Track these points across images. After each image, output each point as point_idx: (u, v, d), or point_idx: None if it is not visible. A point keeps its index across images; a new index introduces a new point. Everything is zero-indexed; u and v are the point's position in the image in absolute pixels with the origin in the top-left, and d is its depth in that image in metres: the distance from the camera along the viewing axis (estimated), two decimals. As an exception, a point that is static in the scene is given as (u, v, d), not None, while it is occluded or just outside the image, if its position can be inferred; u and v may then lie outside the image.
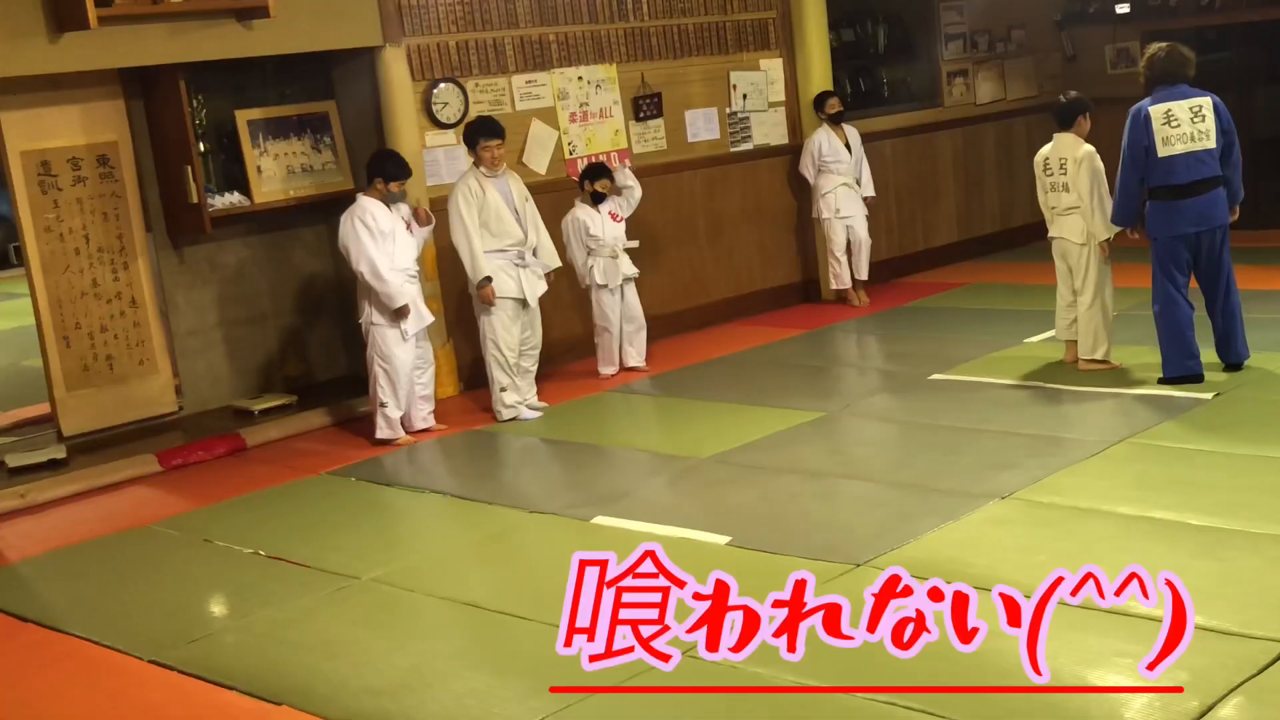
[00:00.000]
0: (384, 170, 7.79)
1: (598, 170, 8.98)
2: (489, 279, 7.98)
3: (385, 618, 5.34)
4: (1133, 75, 12.80)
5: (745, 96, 10.77)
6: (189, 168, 8.17)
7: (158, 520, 6.92)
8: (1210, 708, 3.91)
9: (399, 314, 7.69)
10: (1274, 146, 12.70)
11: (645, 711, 4.29)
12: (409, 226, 7.89)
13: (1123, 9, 12.58)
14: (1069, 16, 13.11)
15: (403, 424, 7.97)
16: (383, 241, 7.67)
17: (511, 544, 6.17)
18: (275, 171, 8.75)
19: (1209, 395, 7.13)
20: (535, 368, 8.42)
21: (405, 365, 7.82)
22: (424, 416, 8.08)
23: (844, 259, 10.77)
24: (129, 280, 8.39)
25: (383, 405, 7.85)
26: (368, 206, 7.69)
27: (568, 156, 9.65)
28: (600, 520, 6.17)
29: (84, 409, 8.25)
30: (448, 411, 8.55)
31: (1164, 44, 7.54)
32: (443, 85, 9.02)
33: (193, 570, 6.16)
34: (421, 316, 7.88)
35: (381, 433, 7.88)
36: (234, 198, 8.61)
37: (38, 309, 8.15)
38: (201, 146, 8.54)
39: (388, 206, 7.78)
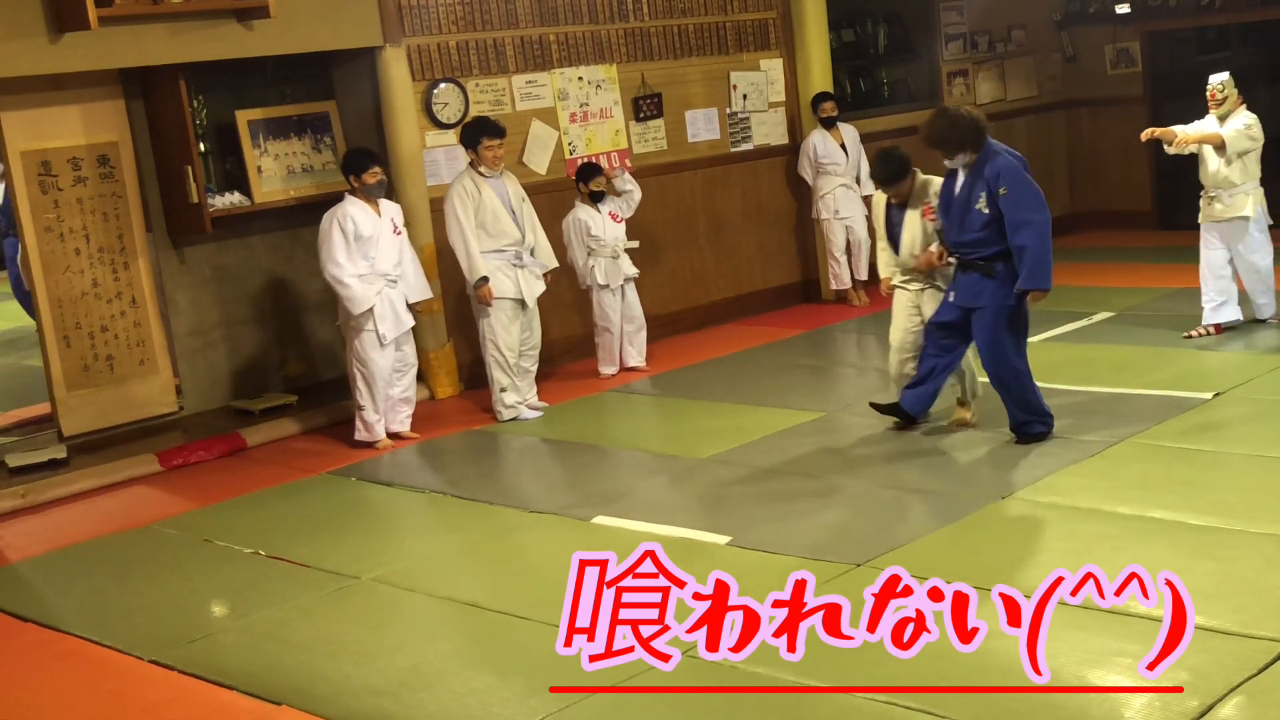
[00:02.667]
0: (350, 165, 7.76)
1: (591, 170, 8.99)
2: (485, 279, 7.98)
3: (385, 618, 5.34)
4: (1133, 75, 12.93)
5: (745, 96, 10.77)
6: (189, 168, 8.17)
7: (158, 520, 6.92)
8: (1210, 708, 3.91)
9: (361, 318, 7.65)
10: (1274, 146, 12.68)
11: (645, 711, 4.29)
12: (396, 229, 7.85)
13: (1123, 9, 12.57)
14: (1069, 16, 13.11)
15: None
16: (360, 245, 7.61)
17: (511, 544, 6.17)
18: (275, 171, 8.75)
19: (1209, 395, 7.13)
20: (535, 368, 8.42)
21: (383, 369, 7.77)
22: (401, 420, 8.03)
23: (843, 259, 10.78)
24: (129, 280, 8.39)
25: (360, 409, 7.84)
26: (349, 210, 7.64)
27: (568, 156, 9.65)
28: (600, 520, 6.17)
29: (84, 409, 8.25)
30: (448, 411, 8.55)
31: (954, 107, 6.83)
32: (443, 85, 9.03)
33: (193, 570, 6.16)
34: (399, 321, 7.83)
35: (359, 435, 7.87)
36: (234, 198, 8.61)
37: (38, 309, 8.15)
38: (201, 146, 8.53)
39: (373, 206, 7.75)
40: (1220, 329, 8.42)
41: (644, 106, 10.12)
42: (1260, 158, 8.32)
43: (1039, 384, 7.73)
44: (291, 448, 8.14)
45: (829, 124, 10.61)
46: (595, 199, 8.92)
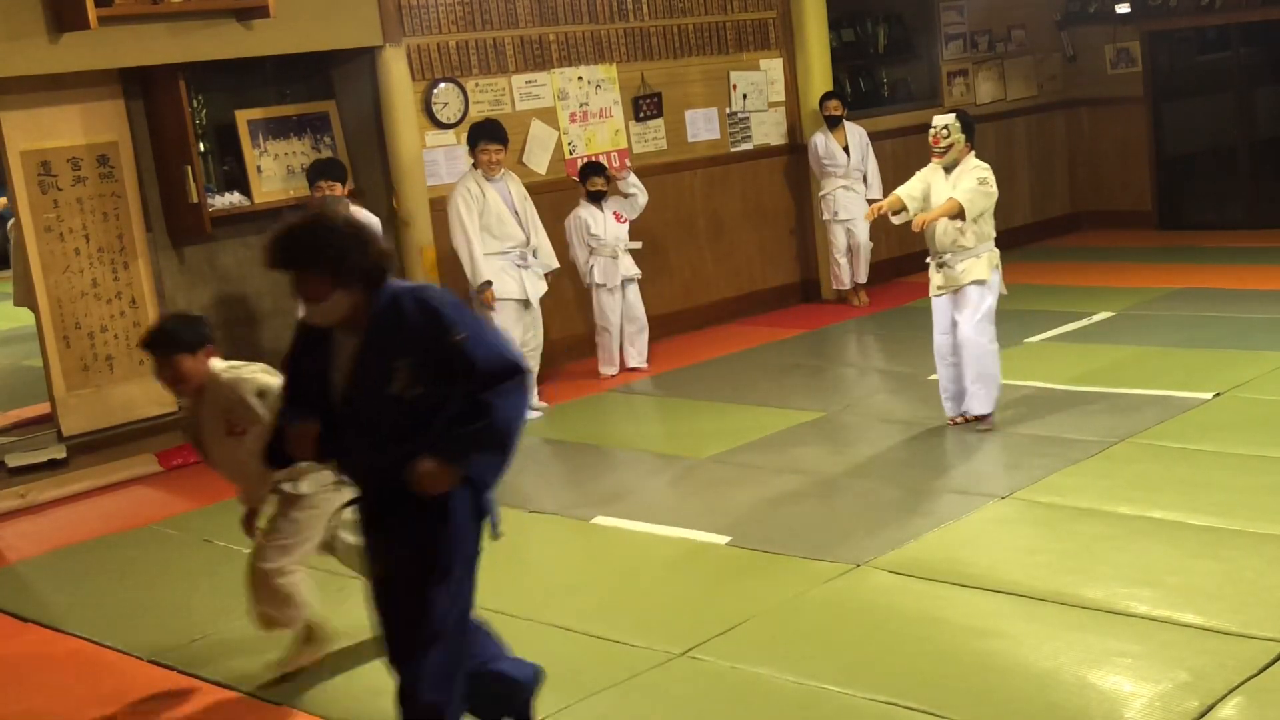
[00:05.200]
0: (308, 175, 7.79)
1: (590, 170, 8.99)
2: (489, 283, 7.99)
3: (385, 618, 5.34)
4: (1133, 75, 12.93)
5: (745, 96, 10.77)
6: (189, 168, 8.16)
7: (158, 520, 6.92)
8: (1210, 708, 3.91)
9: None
10: (1274, 146, 12.71)
11: (645, 711, 4.28)
12: None
13: (1123, 9, 12.58)
14: (1069, 16, 13.12)
15: None
16: None
17: (511, 544, 6.12)
18: (275, 171, 8.75)
19: (1209, 395, 7.13)
20: (537, 368, 8.42)
21: None
22: None
23: (844, 261, 10.76)
24: (129, 280, 8.39)
25: None
26: None
27: (568, 156, 9.65)
28: (600, 520, 6.16)
29: (84, 409, 8.24)
30: (448, 411, 8.54)
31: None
32: (443, 85, 9.03)
33: (193, 570, 6.16)
34: None
35: None
36: (234, 198, 8.61)
37: (38, 309, 8.15)
38: (201, 146, 8.53)
39: None
40: (966, 419, 7.03)
41: (644, 106, 10.12)
42: (994, 214, 6.92)
43: (1042, 384, 7.75)
44: (291, 448, 8.12)
45: (833, 123, 10.58)
46: (595, 198, 8.93)
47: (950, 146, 6.80)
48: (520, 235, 8.11)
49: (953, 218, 6.72)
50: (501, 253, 8.07)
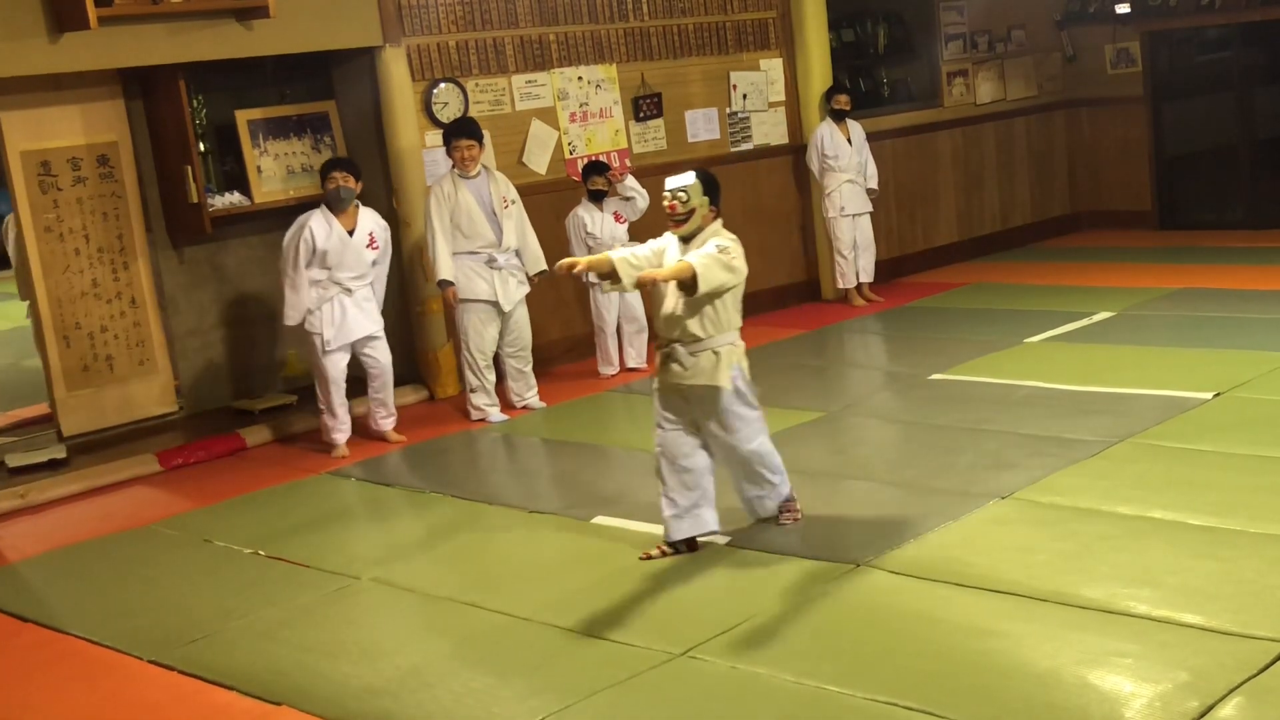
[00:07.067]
0: (321, 169, 7.78)
1: (591, 169, 9.00)
2: (448, 283, 7.99)
3: (385, 618, 5.34)
4: (1133, 75, 12.93)
5: (745, 96, 10.77)
6: (189, 168, 8.17)
7: (158, 520, 6.92)
8: (1210, 708, 3.90)
9: (309, 321, 7.64)
10: (1274, 146, 12.71)
11: (645, 711, 4.28)
12: (372, 240, 7.72)
13: (1123, 9, 12.58)
14: (1069, 16, 13.12)
15: (370, 427, 7.96)
16: (315, 257, 7.58)
17: (511, 544, 6.16)
18: (275, 171, 8.76)
19: (1209, 395, 7.13)
20: (529, 367, 8.40)
21: (336, 371, 7.71)
22: (378, 421, 7.98)
23: (851, 256, 10.75)
24: (129, 280, 8.40)
25: (320, 412, 7.84)
26: (312, 222, 7.58)
27: (568, 156, 9.65)
28: (600, 520, 6.16)
29: (84, 409, 8.25)
30: (448, 411, 8.55)
31: None
32: (443, 85, 9.03)
33: (193, 570, 6.16)
34: (347, 329, 7.69)
35: (325, 436, 7.87)
36: (234, 198, 8.61)
37: (38, 309, 8.15)
38: (201, 146, 8.54)
39: (343, 219, 7.63)
40: (694, 545, 5.56)
41: (644, 106, 10.12)
42: (740, 300, 5.56)
43: (1042, 384, 7.76)
44: (291, 448, 8.14)
45: (839, 117, 10.58)
46: (595, 197, 8.93)
47: (691, 213, 5.51)
48: (490, 236, 8.08)
49: (681, 286, 5.35)
50: (471, 253, 8.06)
